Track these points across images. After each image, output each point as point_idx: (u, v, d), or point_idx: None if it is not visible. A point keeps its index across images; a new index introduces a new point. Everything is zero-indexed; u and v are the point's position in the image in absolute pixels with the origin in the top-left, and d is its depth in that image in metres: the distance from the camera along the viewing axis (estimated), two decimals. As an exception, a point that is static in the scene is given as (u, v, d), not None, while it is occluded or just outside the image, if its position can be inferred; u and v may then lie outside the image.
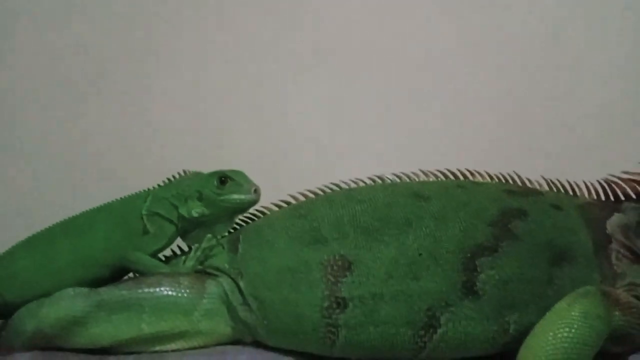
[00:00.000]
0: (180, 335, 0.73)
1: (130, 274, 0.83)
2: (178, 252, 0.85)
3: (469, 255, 0.69)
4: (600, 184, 0.83)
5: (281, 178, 1.04)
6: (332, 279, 0.69)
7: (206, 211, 0.79)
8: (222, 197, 0.78)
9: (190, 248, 0.83)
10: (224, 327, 0.74)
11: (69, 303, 0.72)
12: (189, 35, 1.18)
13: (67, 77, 1.18)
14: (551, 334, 0.63)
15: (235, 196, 0.78)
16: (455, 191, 0.75)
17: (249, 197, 0.78)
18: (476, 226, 0.71)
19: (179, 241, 0.86)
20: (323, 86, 1.18)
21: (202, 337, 0.74)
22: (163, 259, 0.85)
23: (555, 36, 1.19)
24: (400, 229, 0.71)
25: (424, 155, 1.12)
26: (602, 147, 1.17)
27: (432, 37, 1.18)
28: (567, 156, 1.17)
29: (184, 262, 0.80)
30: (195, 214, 0.79)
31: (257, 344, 0.75)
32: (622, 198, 0.82)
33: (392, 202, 0.73)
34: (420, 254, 0.69)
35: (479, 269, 0.68)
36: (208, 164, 0.86)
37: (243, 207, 0.79)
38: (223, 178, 0.78)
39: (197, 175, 0.82)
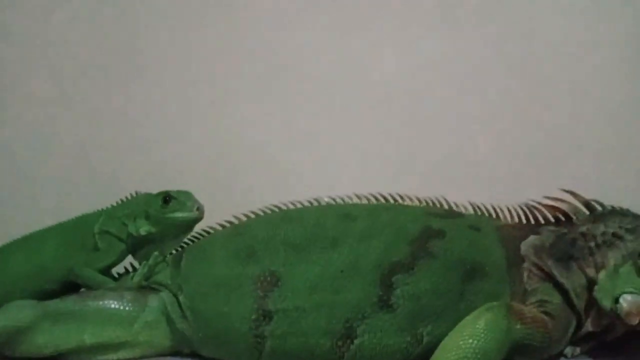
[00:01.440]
0: (121, 345, 0.78)
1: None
2: (130, 269, 0.91)
3: (386, 271, 0.75)
4: (521, 208, 0.90)
5: (235, 197, 1.10)
6: (261, 294, 0.75)
7: (153, 229, 0.85)
8: (166, 216, 0.84)
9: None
10: (163, 339, 0.79)
11: (15, 314, 0.77)
12: (146, 55, 1.24)
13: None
14: (456, 345, 0.69)
15: (179, 214, 0.83)
16: (381, 213, 0.82)
17: (192, 215, 0.83)
18: (396, 245, 0.77)
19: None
20: (278, 106, 1.24)
21: (142, 348, 0.79)
22: (116, 275, 0.90)
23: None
24: (326, 247, 0.77)
25: (374, 174, 1.20)
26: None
27: (385, 58, 1.25)
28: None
29: (132, 278, 0.86)
30: (142, 232, 0.85)
31: (195, 355, 0.80)
32: (542, 222, 0.89)
33: (322, 222, 0.80)
34: (342, 271, 0.75)
35: (394, 285, 0.74)
36: (163, 183, 0.91)
37: (186, 224, 0.85)
38: (167, 197, 0.84)
39: (146, 195, 0.88)
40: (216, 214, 0.90)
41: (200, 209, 0.84)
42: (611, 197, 0.88)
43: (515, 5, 1.24)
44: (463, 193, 0.92)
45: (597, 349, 0.83)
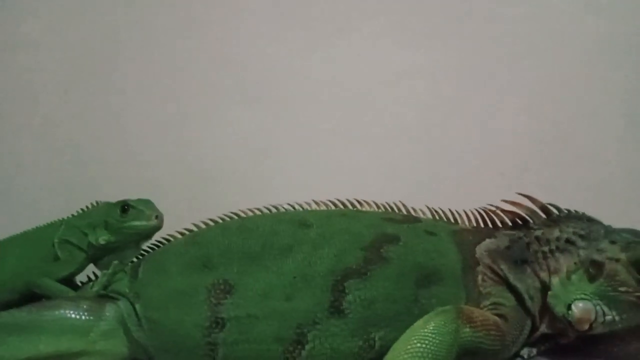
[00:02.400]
0: (77, 355, 0.78)
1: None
2: (94, 277, 0.92)
3: (339, 277, 0.76)
4: (479, 212, 0.91)
5: (202, 205, 1.10)
6: (215, 301, 0.75)
7: (112, 238, 0.86)
8: (125, 225, 0.85)
9: (104, 274, 0.89)
10: (120, 348, 0.80)
11: None
12: (123, 64, 1.26)
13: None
14: (405, 349, 0.70)
15: (137, 223, 0.84)
16: (337, 219, 0.83)
17: (150, 223, 0.85)
18: (350, 251, 0.78)
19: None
20: (251, 115, 1.25)
21: (99, 357, 0.79)
22: (80, 284, 0.91)
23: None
24: (280, 254, 0.78)
25: (341, 184, 1.20)
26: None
27: (355, 71, 1.27)
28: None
29: (92, 287, 0.86)
30: (102, 242, 0.86)
31: (152, 363, 0.80)
32: (500, 225, 0.90)
33: (277, 230, 0.81)
34: (294, 277, 0.76)
35: (347, 290, 0.75)
36: (131, 192, 0.92)
37: (145, 233, 0.86)
38: (125, 206, 0.85)
39: (106, 204, 0.89)
40: (185, 223, 0.90)
41: (159, 217, 0.85)
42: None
43: (493, 15, 1.26)
44: (432, 200, 0.93)
45: (552, 351, 0.84)
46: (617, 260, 0.78)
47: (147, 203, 0.86)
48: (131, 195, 0.91)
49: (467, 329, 0.71)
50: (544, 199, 0.90)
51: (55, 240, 0.88)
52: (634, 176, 1.26)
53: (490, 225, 0.90)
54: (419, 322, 0.72)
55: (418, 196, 0.94)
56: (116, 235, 0.85)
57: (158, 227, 0.86)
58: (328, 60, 1.25)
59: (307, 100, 1.26)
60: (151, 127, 1.25)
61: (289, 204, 0.89)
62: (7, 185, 1.25)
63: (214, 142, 1.25)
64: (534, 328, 0.82)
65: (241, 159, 1.25)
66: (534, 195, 0.90)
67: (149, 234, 0.87)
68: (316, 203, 0.89)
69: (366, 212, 0.87)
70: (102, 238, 0.86)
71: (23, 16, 1.25)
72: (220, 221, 0.87)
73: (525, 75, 1.26)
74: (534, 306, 0.81)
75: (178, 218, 0.92)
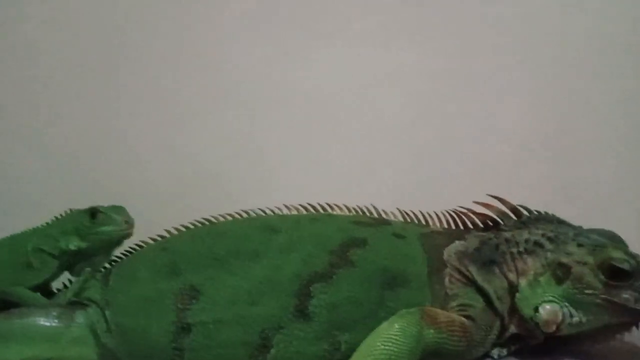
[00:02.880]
0: None
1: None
2: (69, 284, 0.92)
3: (305, 281, 0.76)
4: (450, 214, 0.92)
5: (185, 209, 1.10)
6: (181, 307, 0.76)
7: (82, 244, 0.86)
8: (94, 230, 0.85)
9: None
10: (90, 354, 0.80)
11: None
12: (106, 72, 1.26)
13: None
14: (368, 351, 0.70)
15: (106, 228, 0.85)
16: (306, 223, 0.84)
17: (119, 229, 0.85)
18: (317, 255, 0.79)
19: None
20: (232, 121, 1.26)
21: None
22: (56, 291, 0.91)
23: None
24: (248, 259, 0.79)
25: (328, 186, 1.21)
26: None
27: (343, 73, 1.27)
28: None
29: (65, 294, 0.87)
30: (72, 247, 0.86)
31: (122, 369, 0.81)
32: (471, 227, 0.91)
33: (246, 235, 0.82)
34: (260, 282, 0.77)
35: (312, 294, 0.76)
36: (117, 196, 0.93)
37: (114, 239, 0.86)
38: (95, 212, 0.86)
39: (78, 211, 0.89)
40: (168, 227, 0.91)
41: (129, 223, 0.85)
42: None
43: (483, 13, 1.27)
44: (416, 203, 0.94)
45: (522, 351, 0.84)
46: (584, 263, 0.79)
47: (118, 209, 0.87)
48: (116, 199, 0.91)
49: (431, 330, 0.72)
50: (536, 199, 0.91)
51: (29, 249, 0.88)
52: (632, 176, 1.27)
53: (462, 227, 0.91)
54: (384, 325, 0.72)
55: (406, 197, 0.95)
56: (86, 241, 0.86)
57: (128, 233, 0.86)
58: (316, 62, 1.26)
59: (295, 102, 1.26)
60: (137, 131, 1.25)
61: (260, 209, 0.90)
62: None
63: (201, 145, 1.25)
64: (503, 329, 0.83)
65: (228, 162, 1.25)
66: (506, 198, 0.91)
67: (119, 239, 0.87)
68: (287, 207, 0.90)
69: (336, 216, 0.88)
70: (73, 244, 0.86)
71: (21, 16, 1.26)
72: (192, 227, 0.88)
73: (515, 75, 1.26)
74: (503, 307, 0.82)
75: (161, 224, 0.92)
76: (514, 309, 0.82)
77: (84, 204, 0.91)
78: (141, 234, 0.91)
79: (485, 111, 1.28)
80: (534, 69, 1.27)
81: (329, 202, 0.91)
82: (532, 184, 1.26)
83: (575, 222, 0.88)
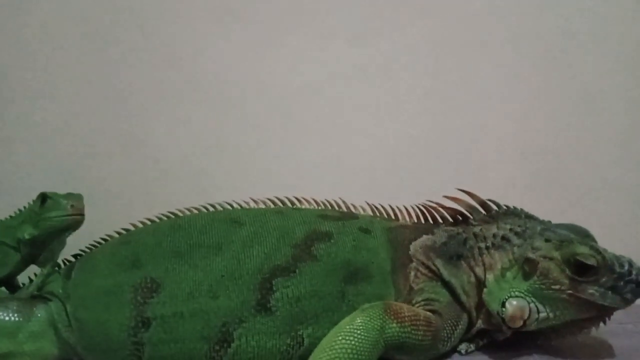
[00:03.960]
0: (5, 356, 0.77)
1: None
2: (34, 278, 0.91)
3: (267, 275, 0.75)
4: (419, 208, 0.91)
5: (149, 203, 1.09)
6: (141, 300, 0.75)
7: (35, 232, 0.85)
8: (43, 216, 0.84)
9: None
10: (50, 348, 0.79)
11: None
12: (74, 67, 1.23)
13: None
14: (330, 345, 0.70)
15: (53, 213, 0.83)
16: (271, 217, 0.83)
17: (66, 213, 0.83)
18: (280, 249, 0.78)
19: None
20: (197, 115, 1.24)
21: (28, 358, 0.78)
22: (22, 285, 0.90)
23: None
24: (210, 252, 0.78)
25: (294, 180, 1.20)
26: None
27: (307, 68, 1.26)
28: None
29: (27, 288, 0.85)
30: (27, 236, 0.85)
31: (83, 364, 0.80)
32: (441, 221, 0.90)
33: (209, 228, 0.80)
34: (222, 275, 0.75)
35: (274, 288, 0.75)
36: (84, 189, 0.91)
37: (63, 223, 0.84)
38: (44, 198, 0.84)
39: (33, 201, 0.88)
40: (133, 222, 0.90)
41: (74, 207, 0.83)
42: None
43: (453, 10, 1.26)
44: (382, 197, 0.93)
45: (490, 346, 0.84)
46: (551, 258, 0.79)
47: (69, 195, 0.85)
48: (83, 193, 0.89)
49: (394, 325, 0.71)
50: (496, 195, 0.91)
51: None
52: (630, 174, 1.27)
53: (432, 221, 0.90)
54: (346, 319, 0.72)
55: (375, 192, 0.94)
56: (38, 228, 0.84)
57: (75, 217, 0.84)
58: (279, 57, 1.25)
59: (259, 97, 1.25)
60: (104, 124, 1.24)
61: (226, 202, 0.89)
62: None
63: (166, 140, 1.24)
64: (471, 324, 0.83)
65: (193, 156, 1.24)
66: (476, 192, 0.90)
67: (67, 225, 0.85)
68: (254, 201, 0.89)
69: (303, 210, 0.87)
70: (27, 232, 0.85)
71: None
72: (157, 220, 0.87)
73: (500, 71, 1.26)
74: (469, 301, 0.82)
75: (126, 218, 0.91)
76: (481, 304, 0.82)
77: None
78: (107, 229, 0.90)
79: (468, 106, 1.28)
80: (518, 62, 1.27)
81: (297, 196, 0.90)
82: (512, 180, 1.26)
83: (563, 219, 0.88)
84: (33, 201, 0.88)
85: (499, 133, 1.27)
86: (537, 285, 0.79)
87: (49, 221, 0.83)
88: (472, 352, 0.83)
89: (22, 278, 0.93)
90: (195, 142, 1.24)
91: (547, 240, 0.81)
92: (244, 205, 0.88)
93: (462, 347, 0.83)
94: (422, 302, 0.79)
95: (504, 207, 0.89)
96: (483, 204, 0.89)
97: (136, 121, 1.23)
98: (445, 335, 0.78)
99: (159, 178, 1.22)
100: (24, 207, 0.90)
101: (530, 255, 0.80)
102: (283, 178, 1.21)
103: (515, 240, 0.83)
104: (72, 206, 0.83)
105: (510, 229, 0.84)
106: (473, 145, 1.28)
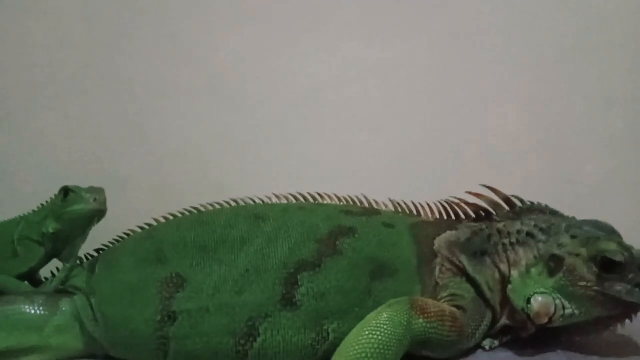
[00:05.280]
0: (32, 350, 0.78)
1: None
2: (57, 272, 0.91)
3: (292, 270, 0.75)
4: (442, 205, 0.91)
5: (172, 200, 1.10)
6: (167, 295, 0.75)
7: (59, 226, 0.85)
8: (66, 210, 0.84)
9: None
10: (75, 342, 0.79)
11: None
12: (91, 65, 1.24)
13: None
14: (357, 340, 0.69)
15: (76, 207, 0.83)
16: (294, 212, 0.83)
17: (89, 206, 0.83)
18: (304, 244, 0.78)
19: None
20: (211, 112, 1.24)
21: (54, 352, 0.79)
22: (44, 280, 0.90)
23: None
24: (235, 247, 0.78)
25: (312, 178, 1.19)
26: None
27: (326, 67, 1.25)
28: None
29: (51, 282, 0.86)
30: (51, 230, 0.85)
31: (108, 358, 0.80)
32: (463, 217, 0.90)
33: (233, 223, 0.80)
34: (247, 270, 0.75)
35: (300, 283, 0.75)
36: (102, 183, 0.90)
37: (85, 216, 0.84)
38: (67, 192, 0.84)
39: (55, 195, 0.88)
40: (151, 218, 0.90)
41: (97, 200, 0.83)
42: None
43: (459, 10, 1.25)
44: (398, 195, 0.93)
45: (514, 342, 0.83)
46: (577, 255, 0.78)
47: (91, 188, 0.85)
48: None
49: (421, 320, 0.71)
50: (517, 192, 0.90)
51: (15, 237, 0.87)
52: (628, 169, 1.26)
53: (454, 217, 0.90)
54: (372, 314, 0.72)
55: (388, 189, 0.93)
56: (61, 222, 0.84)
57: (98, 210, 0.84)
58: (294, 55, 1.25)
59: (274, 95, 1.25)
60: (119, 122, 1.24)
61: (249, 198, 0.89)
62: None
63: (186, 138, 1.24)
64: (495, 320, 0.82)
65: (213, 154, 1.24)
66: (499, 188, 0.90)
67: (90, 218, 0.85)
68: (276, 197, 0.89)
69: (325, 205, 0.87)
70: (51, 227, 0.85)
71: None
72: (179, 216, 0.87)
73: (506, 69, 1.25)
74: (494, 298, 0.81)
75: (146, 213, 0.91)
76: (505, 300, 0.81)
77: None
78: (129, 224, 0.90)
79: (476, 104, 1.27)
80: (525, 62, 1.26)
81: (318, 192, 0.90)
82: (524, 176, 1.25)
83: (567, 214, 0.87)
84: (55, 195, 0.89)
85: (517, 130, 1.26)
86: (562, 282, 0.78)
87: (73, 214, 0.83)
88: (495, 348, 0.82)
89: (43, 272, 0.94)
90: (210, 140, 1.24)
91: (573, 237, 0.80)
92: (266, 200, 0.89)
93: (486, 343, 0.83)
94: (448, 298, 0.78)
95: (528, 203, 0.88)
96: (507, 200, 0.88)
97: (152, 118, 1.23)
98: (470, 331, 0.78)
99: (172, 174, 1.22)
100: (46, 202, 0.91)
101: (556, 251, 0.79)
102: (299, 175, 1.20)
103: (541, 236, 0.82)
104: (95, 199, 0.83)
105: (535, 225, 0.83)
106: (492, 142, 1.27)
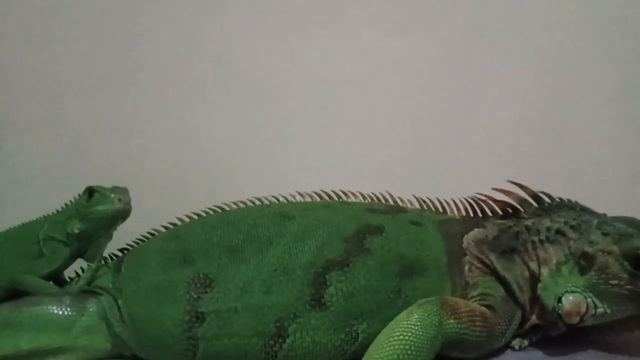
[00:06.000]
0: (59, 350, 0.78)
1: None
2: (81, 272, 0.91)
3: (320, 269, 0.74)
4: (468, 201, 0.89)
5: (191, 199, 1.09)
6: (194, 295, 0.74)
7: (83, 226, 0.85)
8: (90, 210, 0.84)
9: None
10: (103, 343, 0.79)
11: None
12: (108, 63, 1.23)
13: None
14: (387, 341, 0.68)
15: (101, 207, 0.83)
16: (320, 211, 0.82)
17: (113, 206, 0.83)
18: (331, 243, 0.77)
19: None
20: (230, 110, 1.23)
21: (81, 352, 0.79)
22: (68, 280, 0.90)
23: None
24: (261, 247, 0.77)
25: (330, 175, 1.18)
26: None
27: (342, 61, 1.24)
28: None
29: (76, 282, 0.86)
30: (76, 230, 0.85)
31: (135, 358, 0.80)
32: (490, 214, 0.88)
33: (259, 223, 0.79)
34: (275, 270, 0.75)
35: (328, 282, 0.74)
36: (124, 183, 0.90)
37: (109, 216, 0.84)
38: (91, 192, 0.84)
39: (80, 195, 0.88)
40: (171, 217, 0.89)
41: (122, 200, 0.83)
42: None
43: (473, 3, 1.24)
44: (418, 190, 0.91)
45: (544, 342, 0.82)
46: (609, 252, 0.76)
47: (115, 188, 0.85)
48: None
49: (452, 321, 0.70)
50: (537, 188, 0.88)
51: (40, 237, 0.87)
52: (626, 163, 1.24)
53: (480, 215, 0.88)
54: (402, 314, 0.71)
55: (408, 186, 0.92)
56: (85, 222, 0.84)
57: (122, 210, 0.84)
58: (313, 50, 1.23)
59: (292, 91, 1.24)
60: (138, 122, 1.23)
61: (273, 196, 0.88)
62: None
63: (202, 135, 1.23)
64: (525, 319, 0.81)
65: (229, 151, 1.23)
66: (526, 184, 0.88)
67: (114, 218, 0.85)
68: (300, 195, 0.88)
69: (350, 204, 0.86)
70: (76, 227, 0.85)
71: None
72: (203, 215, 0.86)
73: (517, 63, 1.23)
74: (523, 296, 0.80)
75: (167, 212, 0.91)
76: (535, 299, 0.80)
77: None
78: (147, 224, 0.90)
79: (500, 95, 1.25)
80: (552, 52, 1.24)
81: (343, 189, 0.89)
82: (547, 171, 1.23)
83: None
84: (79, 195, 0.88)
85: (539, 125, 1.24)
86: (594, 280, 0.76)
87: (98, 214, 0.83)
88: (525, 347, 0.81)
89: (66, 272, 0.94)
90: (229, 136, 1.23)
91: (604, 234, 0.78)
92: (289, 198, 0.88)
93: (515, 342, 0.81)
94: (477, 297, 0.77)
95: (557, 200, 0.86)
96: (535, 196, 0.86)
97: (172, 116, 1.22)
98: (500, 331, 0.77)
99: (195, 175, 1.22)
100: (70, 202, 0.91)
101: (587, 249, 0.78)
102: (319, 172, 1.19)
103: (571, 233, 0.80)
104: (119, 199, 0.83)
105: (565, 222, 0.82)
106: (513, 138, 1.25)
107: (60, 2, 1.22)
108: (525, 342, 0.82)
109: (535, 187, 0.88)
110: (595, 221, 0.81)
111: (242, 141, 1.23)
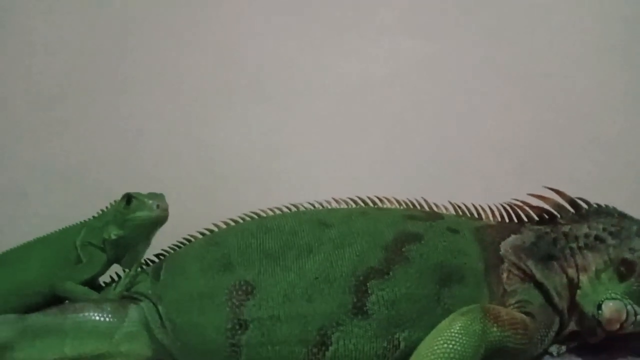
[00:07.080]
0: (102, 357, 0.78)
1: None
2: (117, 278, 0.92)
3: (361, 277, 0.74)
4: (504, 207, 0.89)
5: (218, 205, 1.10)
6: (237, 303, 0.75)
7: (121, 232, 0.85)
8: (129, 216, 0.84)
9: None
10: (144, 349, 0.79)
11: None
12: (130, 69, 1.24)
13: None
14: (431, 350, 0.68)
15: (139, 213, 0.84)
16: (358, 218, 0.81)
17: (152, 213, 0.84)
18: (371, 250, 0.77)
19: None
20: (261, 115, 1.24)
21: (123, 359, 0.79)
22: (103, 284, 0.91)
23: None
24: (301, 254, 0.77)
25: (357, 178, 1.19)
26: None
27: (367, 65, 1.24)
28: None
29: (114, 288, 0.86)
30: (113, 237, 0.86)
31: (177, 365, 0.80)
32: (525, 220, 0.88)
33: (298, 230, 0.80)
34: (316, 278, 0.75)
35: (369, 291, 0.74)
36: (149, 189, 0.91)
37: (148, 223, 0.85)
38: (129, 198, 0.85)
39: (117, 201, 0.88)
40: (201, 222, 0.90)
41: (160, 207, 0.84)
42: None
43: (500, 6, 1.23)
44: (446, 194, 0.91)
45: (582, 348, 0.82)
46: None
47: (153, 195, 0.85)
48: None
49: (494, 329, 0.70)
50: (573, 194, 0.87)
51: (78, 243, 0.88)
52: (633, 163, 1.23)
53: (516, 221, 0.88)
54: (444, 323, 0.71)
55: (435, 190, 0.91)
56: (123, 228, 0.85)
57: (160, 217, 0.84)
58: (338, 55, 1.24)
59: (319, 96, 1.24)
60: (164, 128, 1.24)
61: (309, 203, 0.88)
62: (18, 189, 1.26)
63: (228, 141, 1.24)
64: (563, 325, 0.80)
65: (256, 157, 1.23)
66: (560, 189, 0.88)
67: (152, 224, 0.85)
68: (336, 201, 0.88)
69: (387, 210, 0.86)
70: (114, 233, 0.85)
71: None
72: (240, 221, 0.86)
73: (543, 67, 1.23)
74: (562, 303, 0.80)
75: (195, 218, 0.91)
76: (573, 305, 0.80)
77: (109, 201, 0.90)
78: (180, 229, 0.90)
79: (527, 98, 1.25)
80: (577, 54, 1.23)
81: (378, 195, 0.89)
82: (576, 175, 1.23)
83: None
84: (116, 202, 0.89)
85: (569, 125, 1.23)
86: (634, 288, 0.76)
87: (136, 221, 0.84)
88: (563, 353, 0.81)
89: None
90: (260, 142, 1.23)
91: None
92: (325, 205, 0.87)
93: (553, 349, 0.81)
94: (516, 305, 0.77)
95: (595, 206, 0.85)
96: (572, 202, 0.86)
97: (197, 124, 1.23)
98: (539, 338, 0.77)
99: (222, 181, 1.22)
100: (106, 208, 0.92)
101: (627, 256, 0.78)
102: (350, 176, 1.20)
103: (610, 240, 0.80)
104: (157, 206, 0.83)
105: (604, 229, 0.81)
106: (540, 141, 1.25)
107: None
108: (563, 348, 0.82)
109: (570, 193, 0.88)
110: (634, 227, 0.81)
111: (273, 147, 1.23)
